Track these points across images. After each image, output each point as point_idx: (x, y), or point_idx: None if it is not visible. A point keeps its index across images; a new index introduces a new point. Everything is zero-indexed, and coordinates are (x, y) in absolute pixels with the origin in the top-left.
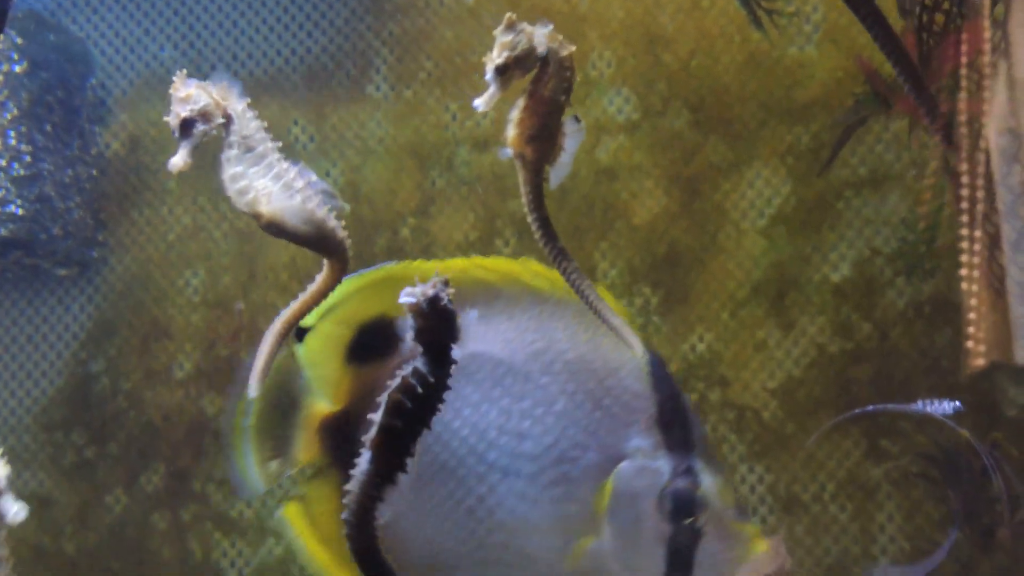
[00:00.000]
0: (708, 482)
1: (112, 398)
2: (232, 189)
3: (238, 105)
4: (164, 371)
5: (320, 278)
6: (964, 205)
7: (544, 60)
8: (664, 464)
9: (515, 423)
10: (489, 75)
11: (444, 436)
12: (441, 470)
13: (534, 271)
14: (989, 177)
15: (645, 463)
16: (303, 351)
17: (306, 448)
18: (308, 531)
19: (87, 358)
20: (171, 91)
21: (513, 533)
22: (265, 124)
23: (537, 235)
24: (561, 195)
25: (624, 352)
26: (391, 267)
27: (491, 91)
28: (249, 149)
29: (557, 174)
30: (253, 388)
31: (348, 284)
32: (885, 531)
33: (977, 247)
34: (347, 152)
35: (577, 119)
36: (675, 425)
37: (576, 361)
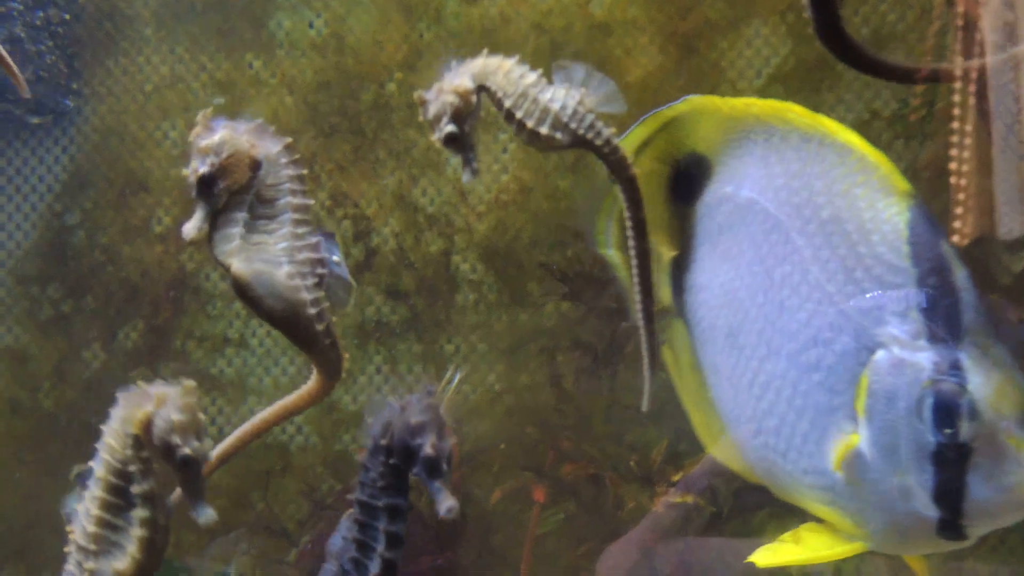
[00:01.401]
0: (979, 383)
1: (89, 252)
2: (218, 232)
3: (273, 148)
4: (142, 225)
5: (304, 387)
6: (956, 94)
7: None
8: (925, 358)
9: (776, 291)
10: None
11: (725, 292)
12: (728, 334)
13: (799, 112)
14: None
15: (903, 355)
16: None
17: (661, 288)
18: (677, 374)
19: (62, 210)
20: (192, 137)
21: (782, 419)
22: (303, 172)
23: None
24: (552, 50)
25: (881, 209)
26: (694, 99)
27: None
28: (266, 201)
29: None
30: None
31: (656, 118)
32: None
33: (968, 127)
34: (331, 2)
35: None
36: (939, 308)
37: (830, 221)
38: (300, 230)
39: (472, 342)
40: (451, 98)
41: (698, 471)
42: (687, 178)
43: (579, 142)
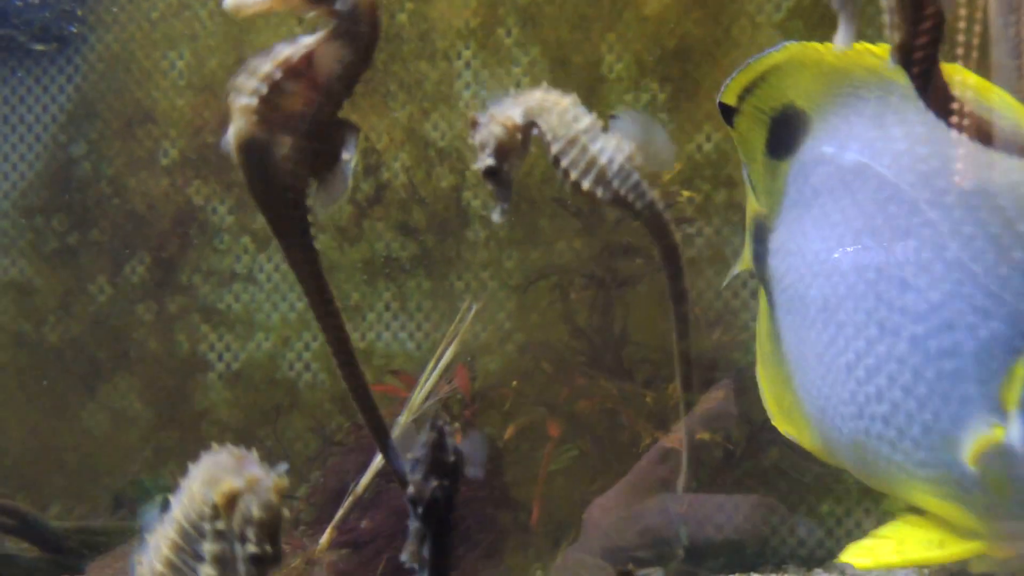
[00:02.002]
0: None
1: (94, 183)
2: None
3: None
4: (148, 157)
5: None
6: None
7: None
8: None
9: (897, 267)
10: None
11: (820, 261)
12: (823, 307)
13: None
14: None
15: None
16: (735, 136)
17: (744, 252)
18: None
19: (68, 141)
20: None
21: (895, 407)
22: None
23: None
24: None
25: None
26: (793, 47)
27: None
28: None
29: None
30: None
31: (754, 66)
32: None
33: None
34: None
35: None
36: None
37: (976, 193)
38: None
39: (483, 279)
40: (498, 130)
41: (706, 413)
42: (781, 132)
43: (620, 202)
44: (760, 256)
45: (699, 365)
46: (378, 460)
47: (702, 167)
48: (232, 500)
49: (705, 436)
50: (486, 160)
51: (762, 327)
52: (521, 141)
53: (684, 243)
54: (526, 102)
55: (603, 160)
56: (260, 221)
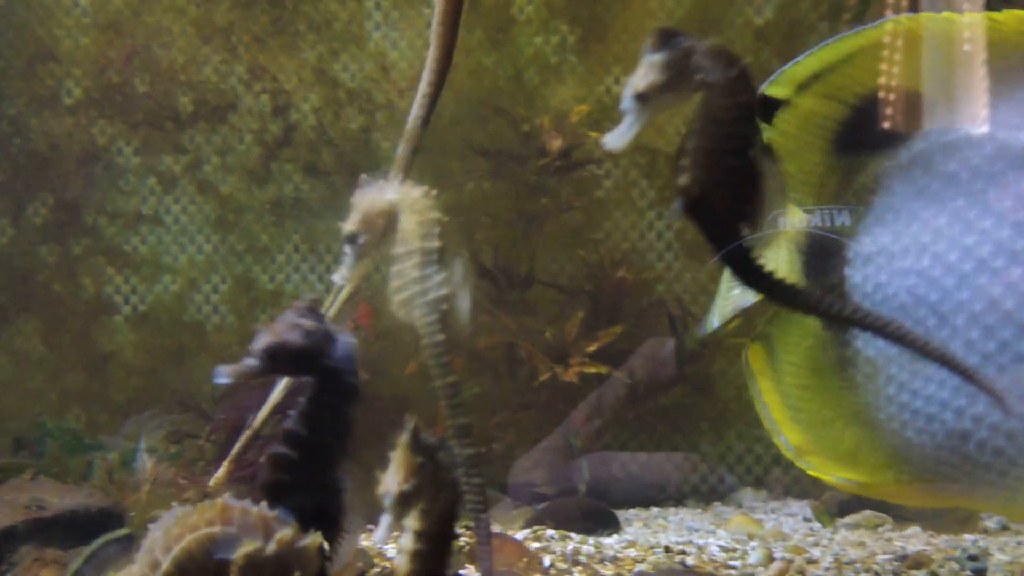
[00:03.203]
0: None
1: None
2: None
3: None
4: (51, 96)
5: None
6: None
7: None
8: None
9: None
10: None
11: (964, 263)
12: (959, 312)
13: None
14: None
15: None
16: (774, 135)
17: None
18: (769, 382)
19: None
20: None
21: None
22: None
23: None
24: None
25: None
26: (896, 22)
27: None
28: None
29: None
30: None
31: (839, 46)
32: None
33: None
34: None
35: None
36: None
37: None
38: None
39: None
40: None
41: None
42: (871, 121)
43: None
44: (819, 271)
45: (604, 304)
46: (276, 395)
47: (610, 109)
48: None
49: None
50: (347, 230)
51: (792, 358)
52: (381, 227)
53: (592, 185)
54: (396, 192)
55: (421, 287)
56: (166, 162)
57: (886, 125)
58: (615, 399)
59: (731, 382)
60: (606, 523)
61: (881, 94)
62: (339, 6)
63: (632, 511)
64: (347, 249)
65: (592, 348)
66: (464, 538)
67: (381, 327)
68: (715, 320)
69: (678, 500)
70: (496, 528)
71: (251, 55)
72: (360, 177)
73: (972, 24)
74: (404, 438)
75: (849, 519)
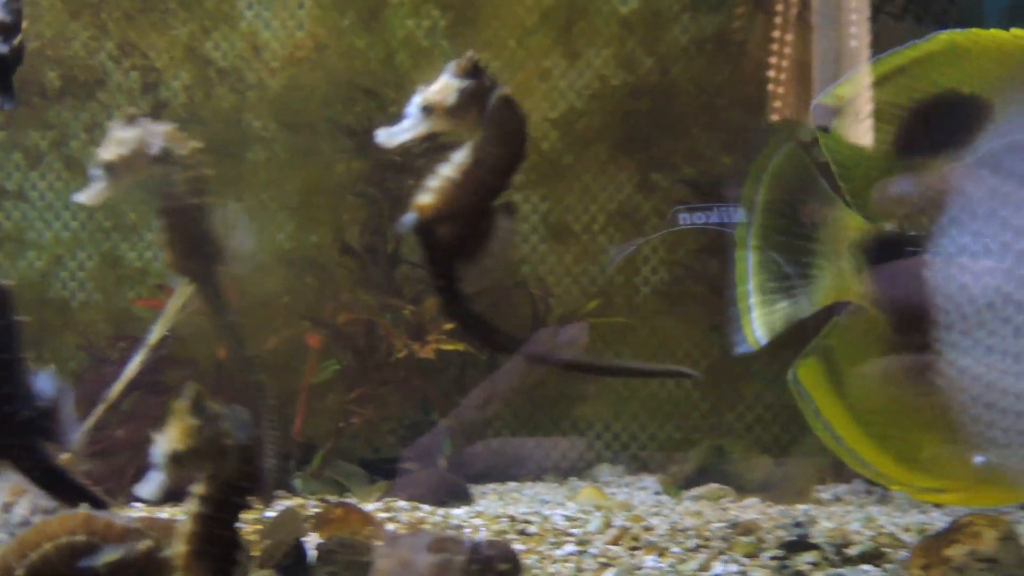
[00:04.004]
0: None
1: None
2: None
3: None
4: None
5: None
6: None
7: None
8: None
9: None
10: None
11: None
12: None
13: None
14: None
15: None
16: (829, 142)
17: (832, 283)
18: (829, 396)
19: None
20: None
21: None
22: None
23: None
24: None
25: None
26: (956, 34)
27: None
28: None
29: None
30: None
31: (896, 57)
32: (649, 261)
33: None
34: None
35: None
36: None
37: None
38: None
39: (263, 200)
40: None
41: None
42: (933, 124)
43: None
44: (892, 276)
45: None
46: (131, 369)
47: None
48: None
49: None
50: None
51: (859, 369)
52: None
53: None
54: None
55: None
56: (33, 138)
57: (948, 128)
58: (513, 382)
59: None
60: (458, 495)
61: (943, 99)
62: None
63: (491, 485)
64: (98, 173)
65: (450, 326)
66: (313, 506)
67: (244, 303)
68: (762, 335)
69: (537, 475)
70: (352, 500)
71: (121, 31)
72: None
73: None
74: (182, 402)
75: (695, 491)
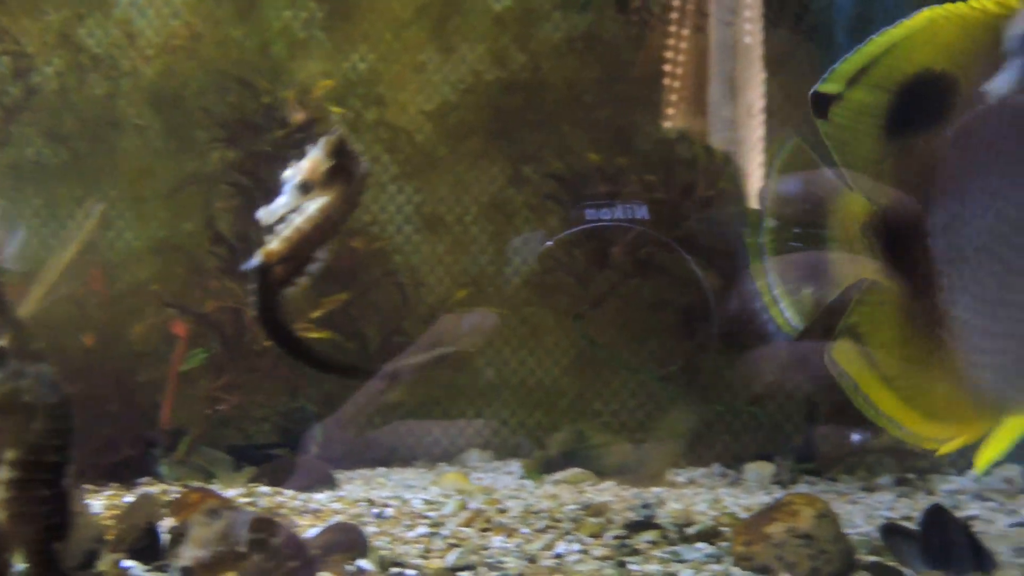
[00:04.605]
0: None
1: None
2: None
3: None
4: None
5: None
6: None
7: None
8: None
9: None
10: None
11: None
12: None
13: None
14: None
15: None
16: (828, 129)
17: (849, 264)
18: (864, 370)
19: None
20: None
21: None
22: None
23: None
24: None
25: None
26: (934, 11)
27: None
28: None
29: None
30: None
31: (880, 39)
32: (519, 252)
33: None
34: None
35: None
36: None
37: None
38: None
39: (137, 188)
40: None
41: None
42: (916, 102)
43: None
44: (901, 248)
45: (337, 272)
46: None
47: (355, 85)
48: None
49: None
50: None
51: (884, 338)
52: None
53: None
54: None
55: None
56: None
57: (927, 106)
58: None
59: (461, 351)
60: (322, 481)
61: (920, 78)
62: None
63: (361, 471)
64: None
65: (316, 314)
66: (176, 492)
67: (114, 291)
68: (797, 321)
69: (407, 461)
70: (215, 486)
71: None
72: None
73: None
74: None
75: (558, 475)
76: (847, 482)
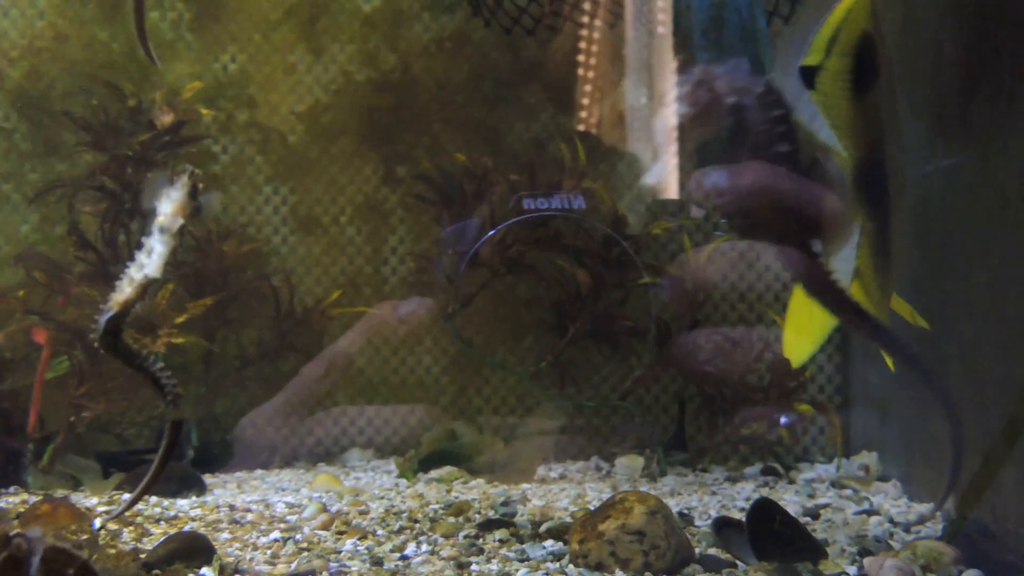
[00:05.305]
0: None
1: None
2: None
3: None
4: None
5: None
6: None
7: None
8: None
9: None
10: None
11: None
12: None
13: None
14: None
15: None
16: (816, 97)
17: (851, 215)
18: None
19: None
20: None
21: None
22: None
23: None
24: None
25: None
26: None
27: None
28: None
29: None
30: None
31: (839, 8)
32: (397, 252)
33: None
34: None
35: None
36: None
37: None
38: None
39: (4, 191)
40: None
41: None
42: (867, 61)
43: None
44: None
45: (208, 276)
46: None
47: (226, 87)
48: None
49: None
50: None
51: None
52: None
53: (208, 159)
54: None
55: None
56: None
57: (870, 64)
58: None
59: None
60: (190, 485)
61: (863, 40)
62: None
63: (237, 474)
64: None
65: (181, 319)
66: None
67: None
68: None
69: (288, 461)
70: (81, 494)
71: None
72: None
73: None
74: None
75: (433, 474)
76: (717, 472)
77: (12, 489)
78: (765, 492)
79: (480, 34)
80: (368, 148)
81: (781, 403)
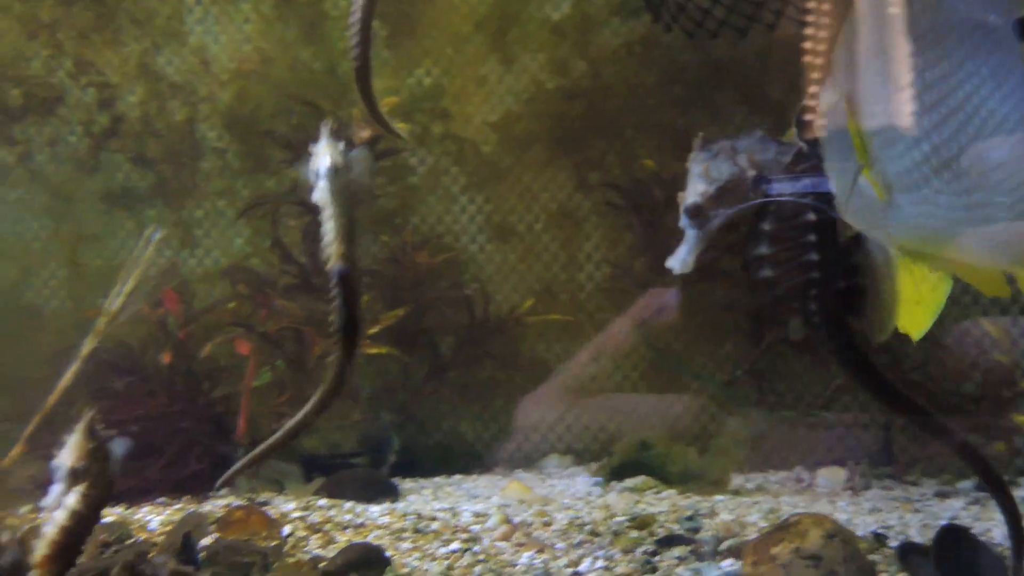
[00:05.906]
0: None
1: None
2: None
3: None
4: None
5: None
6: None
7: None
8: None
9: None
10: None
11: None
12: None
13: None
14: None
15: None
16: None
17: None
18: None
19: None
20: None
21: None
22: None
23: None
24: None
25: None
26: None
27: None
28: None
29: None
30: None
31: None
32: (592, 259)
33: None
34: None
35: None
36: None
37: None
38: None
39: (219, 207)
40: None
41: None
42: None
43: None
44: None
45: (403, 286)
46: (64, 381)
47: (421, 100)
48: None
49: None
50: None
51: None
52: None
53: (405, 172)
54: None
55: None
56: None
57: None
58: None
59: (536, 359)
60: (384, 492)
61: None
62: (159, 2)
63: (436, 479)
64: None
65: (374, 330)
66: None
67: (191, 312)
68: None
69: (486, 468)
70: (282, 498)
71: (77, 50)
72: None
73: None
74: (82, 424)
75: (627, 482)
76: (927, 486)
77: (223, 492)
78: (975, 510)
79: (669, 37)
80: (560, 155)
81: (995, 414)
